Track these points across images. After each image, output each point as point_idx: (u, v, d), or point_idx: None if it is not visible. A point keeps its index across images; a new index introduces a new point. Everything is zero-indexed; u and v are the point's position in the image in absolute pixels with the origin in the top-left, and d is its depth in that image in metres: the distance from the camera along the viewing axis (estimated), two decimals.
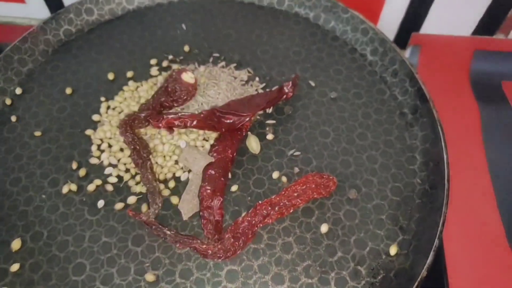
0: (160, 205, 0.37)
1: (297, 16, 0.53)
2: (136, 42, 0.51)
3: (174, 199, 0.38)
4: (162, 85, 0.44)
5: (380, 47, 0.48)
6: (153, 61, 0.49)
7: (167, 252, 0.36)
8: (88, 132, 0.43)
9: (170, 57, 0.49)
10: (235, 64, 0.48)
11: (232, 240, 0.35)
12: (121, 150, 0.41)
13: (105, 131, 0.42)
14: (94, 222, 0.37)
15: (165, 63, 0.48)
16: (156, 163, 0.40)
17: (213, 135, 0.42)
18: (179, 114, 0.40)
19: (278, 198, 0.37)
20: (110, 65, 0.49)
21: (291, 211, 0.37)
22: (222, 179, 0.38)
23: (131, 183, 0.40)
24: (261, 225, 0.36)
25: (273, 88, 0.46)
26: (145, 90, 0.45)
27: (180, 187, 0.39)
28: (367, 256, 0.36)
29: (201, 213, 0.37)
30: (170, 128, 0.41)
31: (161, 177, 0.40)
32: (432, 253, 0.33)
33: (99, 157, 0.41)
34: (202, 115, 0.40)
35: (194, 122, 0.39)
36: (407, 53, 0.57)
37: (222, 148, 0.40)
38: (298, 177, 0.40)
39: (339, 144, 0.42)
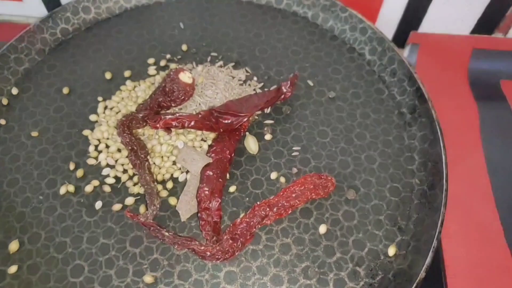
0: (158, 206, 0.37)
1: (295, 15, 0.53)
2: (133, 41, 0.50)
3: (172, 200, 0.38)
4: (160, 85, 0.43)
5: (378, 46, 0.47)
6: (150, 60, 0.48)
7: (166, 254, 0.36)
8: (86, 132, 0.43)
9: (168, 56, 0.49)
10: (233, 64, 0.48)
11: (230, 241, 0.35)
12: (119, 150, 0.41)
13: (102, 132, 0.42)
14: (92, 223, 0.37)
15: (162, 62, 0.48)
16: (154, 163, 0.40)
17: (211, 135, 0.42)
18: (177, 115, 0.40)
19: (276, 199, 0.37)
20: (107, 64, 0.48)
21: (289, 212, 0.37)
22: (220, 180, 0.38)
23: (129, 184, 0.39)
24: (259, 226, 0.36)
25: (271, 88, 0.46)
26: (142, 90, 0.45)
27: (178, 188, 0.39)
28: (366, 256, 0.36)
29: (199, 214, 0.37)
30: (167, 128, 0.40)
31: (159, 178, 0.39)
32: (430, 254, 0.33)
33: (96, 158, 0.41)
34: (200, 116, 0.40)
35: (192, 123, 0.39)
36: (405, 52, 0.57)
37: (220, 148, 0.40)
38: (297, 178, 0.40)
39: (337, 144, 0.42)
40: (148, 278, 0.34)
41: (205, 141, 0.42)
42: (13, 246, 0.36)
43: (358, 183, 0.40)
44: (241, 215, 0.37)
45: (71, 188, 0.39)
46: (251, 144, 0.41)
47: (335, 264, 0.35)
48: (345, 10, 0.49)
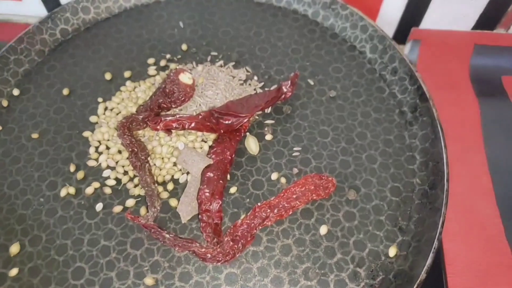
0: (158, 208, 0.37)
1: (295, 13, 0.52)
2: (133, 40, 0.50)
3: (173, 202, 0.38)
4: (160, 86, 0.43)
5: (379, 44, 0.47)
6: (150, 61, 0.48)
7: (166, 256, 0.36)
8: (86, 133, 0.43)
9: (168, 56, 0.49)
10: (233, 63, 0.48)
11: (231, 243, 0.35)
12: (119, 152, 0.41)
13: (103, 133, 0.42)
14: (92, 225, 0.37)
15: (162, 62, 0.48)
16: (155, 165, 0.40)
17: (211, 136, 0.42)
18: (177, 116, 0.40)
19: (277, 200, 0.37)
20: (107, 64, 0.48)
21: (290, 213, 0.37)
22: (221, 181, 0.38)
23: (129, 185, 0.39)
24: (260, 227, 0.36)
25: (272, 88, 0.45)
26: (142, 91, 0.45)
27: (178, 189, 0.39)
28: (366, 257, 0.36)
29: (200, 216, 0.37)
30: (168, 130, 0.40)
31: (160, 179, 0.39)
32: (431, 255, 0.33)
33: (97, 160, 0.41)
34: (200, 117, 0.40)
35: (192, 124, 0.39)
36: (406, 49, 0.56)
37: (220, 149, 0.40)
38: (297, 178, 0.40)
39: (338, 143, 0.42)
40: (149, 280, 0.34)
41: (205, 142, 0.41)
42: (14, 248, 0.36)
43: (359, 183, 0.40)
44: (242, 217, 0.37)
45: (71, 190, 0.39)
46: (252, 145, 0.41)
47: (336, 265, 0.35)
48: (346, 7, 0.49)
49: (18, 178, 0.40)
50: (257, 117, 0.44)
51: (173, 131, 0.41)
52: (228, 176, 0.40)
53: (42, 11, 0.61)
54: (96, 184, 0.39)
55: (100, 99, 0.45)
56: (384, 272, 0.35)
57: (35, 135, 0.43)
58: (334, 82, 0.46)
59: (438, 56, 0.54)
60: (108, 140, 0.42)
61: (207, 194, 0.37)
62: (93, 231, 0.37)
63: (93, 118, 0.44)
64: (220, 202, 0.37)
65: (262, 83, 0.46)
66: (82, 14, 0.51)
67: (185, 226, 0.37)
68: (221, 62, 0.48)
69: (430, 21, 0.57)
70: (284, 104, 0.45)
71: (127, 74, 0.47)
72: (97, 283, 0.35)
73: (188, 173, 0.40)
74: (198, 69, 0.47)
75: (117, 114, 0.44)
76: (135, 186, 0.39)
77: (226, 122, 0.40)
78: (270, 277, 0.35)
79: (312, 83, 0.46)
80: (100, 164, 0.41)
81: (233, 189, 0.39)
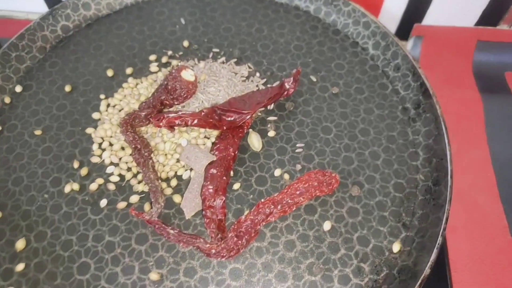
0: (162, 204, 0.37)
1: (297, 9, 0.52)
2: (134, 37, 0.50)
3: (177, 198, 0.38)
4: (162, 83, 0.43)
5: (382, 40, 0.47)
6: (152, 57, 0.48)
7: (171, 251, 0.36)
8: (89, 130, 0.43)
9: (170, 52, 0.49)
10: (235, 60, 0.48)
11: (235, 239, 0.35)
12: (122, 148, 0.41)
13: (105, 130, 0.42)
14: (97, 221, 0.38)
15: (164, 59, 0.48)
16: (158, 161, 0.40)
17: (214, 132, 0.42)
18: (180, 113, 0.40)
19: (280, 196, 0.37)
20: (109, 61, 0.48)
21: (293, 209, 0.37)
22: (224, 178, 0.38)
23: (133, 182, 0.39)
24: (264, 223, 0.36)
25: (274, 84, 0.45)
26: (145, 87, 0.45)
27: (182, 185, 0.39)
28: (370, 253, 0.36)
29: (203, 212, 0.37)
30: (171, 126, 0.40)
31: (163, 175, 0.40)
32: (435, 251, 0.33)
33: (100, 156, 0.41)
34: (202, 114, 0.40)
35: (195, 121, 0.39)
36: (409, 45, 0.56)
37: (223, 146, 0.40)
38: (301, 174, 0.40)
39: (341, 140, 0.42)
40: (154, 275, 0.35)
41: (208, 138, 0.42)
42: (20, 244, 0.36)
43: (362, 180, 0.40)
44: (246, 213, 0.38)
45: (75, 186, 0.39)
46: (255, 141, 0.41)
47: (340, 261, 0.35)
48: (348, 4, 0.49)
49: (22, 175, 0.40)
50: (259, 114, 0.44)
51: (175, 127, 0.41)
52: (232, 173, 0.40)
53: (43, 8, 0.61)
54: (100, 181, 0.39)
55: (102, 96, 0.45)
56: (388, 268, 0.35)
57: (38, 132, 0.43)
58: (337, 79, 0.46)
59: (441, 53, 0.54)
60: (111, 136, 0.42)
61: (211, 190, 0.37)
62: (97, 227, 0.37)
63: (95, 115, 0.44)
64: (224, 198, 0.37)
65: (264, 80, 0.46)
66: (83, 10, 0.51)
67: (189, 222, 0.37)
68: (223, 58, 0.48)
69: (433, 17, 0.57)
70: (286, 100, 0.45)
71: (128, 70, 0.47)
72: (103, 278, 0.35)
73: (191, 169, 0.40)
74: (200, 66, 0.47)
75: (120, 110, 0.44)
76: (139, 182, 0.39)
77: (229, 118, 0.40)
78: (274, 272, 0.35)
79: (314, 79, 0.46)
80: (103, 160, 0.41)
81: (236, 185, 0.39)
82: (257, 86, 0.46)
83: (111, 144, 0.42)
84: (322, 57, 0.48)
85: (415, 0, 0.55)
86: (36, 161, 0.41)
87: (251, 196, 0.39)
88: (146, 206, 0.38)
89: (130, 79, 0.46)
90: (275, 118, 0.43)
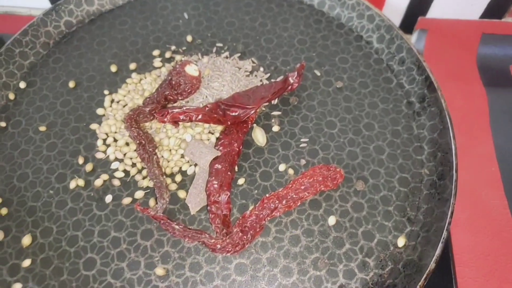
0: (167, 199, 0.37)
1: (301, 3, 0.52)
2: (137, 32, 0.50)
3: (181, 193, 0.38)
4: (166, 78, 0.43)
5: (386, 34, 0.47)
6: (155, 52, 0.48)
7: (176, 246, 0.36)
8: (93, 126, 0.43)
9: (173, 47, 0.48)
10: (239, 54, 0.47)
11: (240, 234, 0.35)
12: (127, 144, 0.41)
13: (110, 125, 0.42)
14: (102, 217, 0.38)
15: (168, 54, 0.48)
16: (162, 157, 0.40)
17: (218, 128, 0.42)
18: (184, 108, 0.40)
19: (285, 191, 0.37)
20: (112, 56, 0.48)
21: (298, 204, 0.37)
22: (229, 173, 0.38)
23: (138, 177, 0.40)
24: (268, 218, 0.36)
25: (278, 79, 0.45)
26: (148, 83, 0.45)
27: (187, 181, 0.39)
28: (375, 247, 0.36)
29: (208, 207, 0.37)
30: (175, 122, 0.40)
31: (168, 171, 0.40)
32: (440, 245, 0.33)
33: (105, 152, 0.41)
34: (207, 109, 0.40)
35: (199, 116, 0.39)
36: (413, 38, 0.56)
37: (228, 141, 0.40)
38: (305, 169, 0.40)
39: (345, 134, 0.42)
40: (159, 271, 0.35)
41: (212, 133, 0.41)
42: (26, 240, 0.36)
43: (367, 174, 0.40)
44: (250, 208, 0.38)
45: (80, 182, 0.39)
46: (259, 136, 0.41)
47: (345, 255, 0.36)
48: None
49: (27, 171, 0.40)
50: (264, 109, 0.44)
51: (180, 123, 0.41)
52: (236, 168, 0.40)
53: (46, 3, 0.61)
54: (104, 176, 0.40)
55: (106, 92, 0.45)
56: (393, 262, 0.35)
57: (42, 128, 0.43)
58: (341, 73, 0.46)
59: (445, 46, 0.54)
60: (116, 132, 0.42)
61: (216, 185, 0.37)
62: (103, 222, 0.37)
63: (100, 111, 0.44)
64: (229, 194, 0.37)
65: (268, 74, 0.46)
66: (86, 5, 0.51)
67: (194, 218, 0.37)
68: (227, 53, 0.48)
69: (437, 10, 0.57)
70: (290, 95, 0.45)
71: (132, 66, 0.47)
72: (109, 273, 0.35)
73: (196, 164, 0.40)
74: (203, 61, 0.46)
75: (124, 106, 0.44)
76: (144, 178, 0.40)
77: (233, 113, 0.40)
78: (279, 267, 0.35)
79: (318, 74, 0.46)
80: (108, 156, 0.41)
81: (241, 181, 0.39)
82: (261, 80, 0.45)
83: (115, 140, 0.42)
84: (326, 51, 0.48)
85: None
86: (41, 157, 0.41)
87: (256, 191, 0.39)
88: (151, 202, 0.38)
89: (134, 75, 0.46)
90: (279, 113, 0.43)
